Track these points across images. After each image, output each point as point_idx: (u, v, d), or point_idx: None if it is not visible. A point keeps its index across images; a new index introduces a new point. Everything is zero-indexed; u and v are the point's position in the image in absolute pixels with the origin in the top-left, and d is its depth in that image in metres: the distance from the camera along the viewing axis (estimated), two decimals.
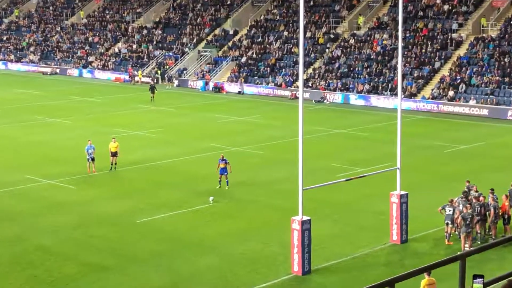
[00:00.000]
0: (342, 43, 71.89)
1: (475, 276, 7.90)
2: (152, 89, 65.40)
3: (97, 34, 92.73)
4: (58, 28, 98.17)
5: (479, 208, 26.24)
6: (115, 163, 37.74)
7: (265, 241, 26.83)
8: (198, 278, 23.37)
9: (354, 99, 63.02)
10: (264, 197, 32.91)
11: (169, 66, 79.78)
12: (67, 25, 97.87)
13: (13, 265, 24.75)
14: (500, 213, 26.73)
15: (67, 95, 68.82)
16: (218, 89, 71.50)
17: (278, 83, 69.13)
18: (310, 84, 66.77)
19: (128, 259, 25.14)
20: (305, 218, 23.49)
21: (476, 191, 27.75)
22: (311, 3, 78.25)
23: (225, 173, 33.86)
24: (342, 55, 69.92)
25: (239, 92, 69.98)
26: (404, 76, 61.43)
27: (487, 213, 26.66)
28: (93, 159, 37.04)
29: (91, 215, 30.20)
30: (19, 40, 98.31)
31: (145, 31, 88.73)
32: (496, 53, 61.62)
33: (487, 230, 27.10)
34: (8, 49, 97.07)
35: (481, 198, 26.87)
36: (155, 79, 75.52)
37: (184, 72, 77.77)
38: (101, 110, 59.59)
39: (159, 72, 78.39)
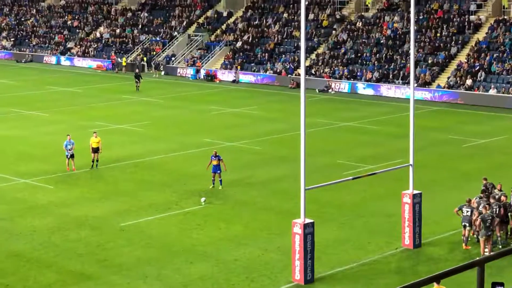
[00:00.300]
0: (348, 26, 71.92)
1: (494, 284, 7.94)
2: (138, 77, 65.81)
3: (76, 17, 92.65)
4: (34, 11, 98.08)
5: (497, 209, 26.29)
6: (97, 160, 37.76)
7: (263, 246, 26.87)
8: None
9: (362, 88, 63.09)
10: (262, 198, 32.95)
11: (156, 52, 79.77)
12: (44, 7, 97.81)
13: None
14: None
15: (43, 85, 68.81)
16: (211, 77, 71.55)
17: (278, 71, 69.16)
18: (313, 72, 66.83)
19: (112, 267, 25.16)
20: (308, 221, 23.52)
21: (500, 190, 27.82)
22: None
23: (218, 171, 33.89)
24: (349, 39, 69.95)
25: (234, 81, 70.01)
26: (417, 63, 61.49)
27: (509, 214, 26.72)
28: (72, 156, 37.06)
29: (70, 218, 30.21)
30: None
31: (129, 14, 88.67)
32: None
33: (509, 233, 27.17)
34: None
35: (502, 197, 26.92)
36: (141, 67, 75.50)
37: (173, 58, 77.77)
38: (82, 101, 59.57)
39: (145, 59, 78.39)
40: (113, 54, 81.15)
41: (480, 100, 56.85)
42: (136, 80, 65.49)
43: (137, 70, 68.52)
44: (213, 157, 34.09)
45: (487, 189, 28.35)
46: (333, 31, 72.23)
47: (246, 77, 70.32)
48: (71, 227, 29.15)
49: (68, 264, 25.37)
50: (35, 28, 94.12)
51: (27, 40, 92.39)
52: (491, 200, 26.65)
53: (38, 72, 79.06)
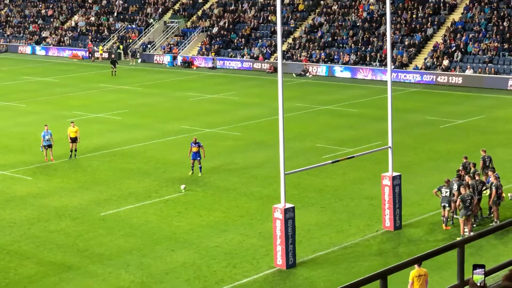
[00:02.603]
0: (324, 10, 71.87)
1: (475, 266, 7.94)
2: (113, 62, 67.24)
3: (51, 6, 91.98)
4: (7, 1, 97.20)
5: (480, 187, 26.57)
6: (75, 150, 37.59)
7: (245, 232, 26.88)
8: (172, 275, 23.39)
9: (340, 71, 63.15)
10: (242, 184, 32.94)
11: (132, 40, 79.40)
12: None
13: None
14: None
15: (19, 75, 68.34)
16: (188, 64, 71.37)
17: (255, 56, 69.08)
18: (290, 56, 66.78)
19: (93, 256, 25.07)
20: (288, 205, 23.53)
21: (473, 166, 28.14)
22: None
23: (198, 158, 33.84)
24: (325, 22, 69.92)
25: (212, 67, 69.85)
26: (393, 45, 61.61)
27: (483, 192, 27.02)
28: (50, 146, 36.85)
29: (50, 209, 30.07)
30: None
31: (104, 2, 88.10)
32: (494, 17, 61.90)
33: (486, 212, 27.39)
34: None
35: (476, 176, 27.23)
36: (117, 55, 75.16)
37: (149, 46, 77.44)
38: (58, 91, 59.24)
39: (121, 47, 78.04)
40: (89, 43, 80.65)
41: (457, 80, 57.06)
42: (112, 65, 66.80)
43: (112, 56, 69.41)
44: (193, 144, 34.01)
45: (466, 168, 28.51)
46: (309, 15, 72.14)
47: (223, 63, 70.12)
48: (50, 218, 29.01)
49: (49, 255, 25.26)
50: (9, 18, 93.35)
51: (1, 30, 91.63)
52: (467, 179, 26.79)
53: (13, 62, 78.49)
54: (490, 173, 27.35)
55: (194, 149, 33.88)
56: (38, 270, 24.11)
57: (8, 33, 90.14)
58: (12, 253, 25.61)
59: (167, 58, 73.55)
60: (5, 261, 24.90)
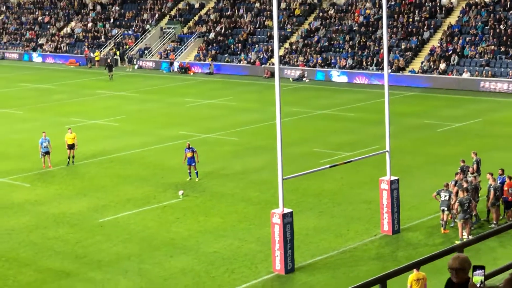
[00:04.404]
0: (321, 14, 71.95)
1: (475, 268, 7.95)
2: (110, 67, 67.95)
3: (47, 13, 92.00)
4: (3, 8, 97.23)
5: (474, 192, 26.66)
6: (73, 157, 37.57)
7: (243, 237, 26.88)
8: (171, 281, 23.38)
9: (337, 75, 63.20)
10: (239, 189, 32.94)
11: (129, 46, 79.43)
12: (13, 4, 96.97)
13: None
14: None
15: (16, 83, 68.32)
16: (185, 69, 71.41)
17: (252, 61, 69.13)
18: (287, 61, 66.83)
19: (92, 263, 25.06)
20: (287, 210, 23.55)
21: (473, 173, 28.11)
22: None
23: (193, 164, 33.81)
24: (322, 27, 69.99)
25: (209, 73, 69.89)
26: (390, 49, 61.65)
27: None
28: (48, 153, 36.84)
29: (48, 216, 30.05)
30: None
31: (100, 8, 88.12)
32: (490, 20, 62.01)
33: (484, 215, 27.44)
34: None
35: (472, 179, 27.29)
36: (114, 61, 75.22)
37: (146, 52, 77.46)
38: (56, 98, 59.23)
39: (118, 53, 78.05)
40: (86, 49, 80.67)
41: (453, 84, 57.15)
42: (109, 70, 67.61)
43: (108, 60, 69.96)
44: (187, 150, 34.00)
45: (463, 171, 28.55)
46: (306, 20, 72.21)
47: (220, 68, 70.15)
48: (49, 225, 28.99)
49: (47, 262, 25.25)
50: (5, 25, 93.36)
51: None
52: (464, 184, 26.85)
53: (10, 69, 78.46)
54: (488, 176, 27.37)
55: (189, 155, 33.87)
56: (37, 277, 24.10)
57: (5, 40, 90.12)
58: (11, 260, 25.58)
59: (164, 64, 73.51)
60: (4, 268, 24.88)
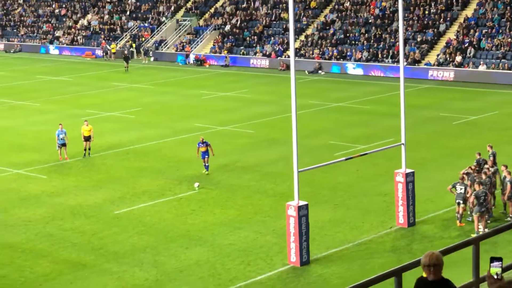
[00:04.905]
0: (336, 7, 71.74)
1: (492, 259, 7.87)
2: (126, 59, 68.62)
3: (64, 5, 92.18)
4: (21, 1, 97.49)
5: (489, 185, 26.51)
6: (89, 149, 37.66)
7: (258, 230, 26.88)
8: (186, 273, 23.41)
9: (352, 68, 63.02)
10: (255, 181, 32.92)
11: (145, 38, 79.50)
12: None
13: None
14: None
15: (33, 75, 68.55)
16: (200, 62, 71.37)
17: (267, 53, 69.04)
18: (302, 53, 66.70)
19: (108, 255, 25.13)
20: (302, 203, 23.51)
21: (492, 166, 27.98)
22: None
23: (207, 157, 33.66)
24: (337, 19, 69.79)
25: (224, 65, 69.85)
26: (406, 41, 61.44)
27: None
28: (64, 145, 36.94)
29: (64, 207, 30.15)
30: None
31: (117, 0, 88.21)
32: (507, 12, 61.62)
33: (501, 208, 27.28)
34: None
35: (488, 172, 27.14)
36: (130, 53, 75.32)
37: (162, 44, 77.50)
38: (72, 90, 59.36)
39: (133, 45, 78.15)
40: (103, 42, 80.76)
41: (470, 77, 56.87)
42: (125, 62, 68.36)
43: (125, 52, 70.49)
44: (200, 144, 33.88)
45: (479, 164, 28.41)
46: (322, 12, 72.02)
47: (236, 60, 70.09)
48: (65, 216, 29.08)
49: (64, 254, 25.33)
50: (22, 18, 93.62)
51: (15, 30, 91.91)
52: (483, 176, 26.72)
53: (27, 62, 78.70)
54: (503, 168, 27.23)
55: (202, 149, 33.74)
56: (53, 268, 24.18)
57: (22, 33, 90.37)
58: (27, 251, 25.69)
59: (179, 56, 73.51)
60: (21, 260, 24.99)
